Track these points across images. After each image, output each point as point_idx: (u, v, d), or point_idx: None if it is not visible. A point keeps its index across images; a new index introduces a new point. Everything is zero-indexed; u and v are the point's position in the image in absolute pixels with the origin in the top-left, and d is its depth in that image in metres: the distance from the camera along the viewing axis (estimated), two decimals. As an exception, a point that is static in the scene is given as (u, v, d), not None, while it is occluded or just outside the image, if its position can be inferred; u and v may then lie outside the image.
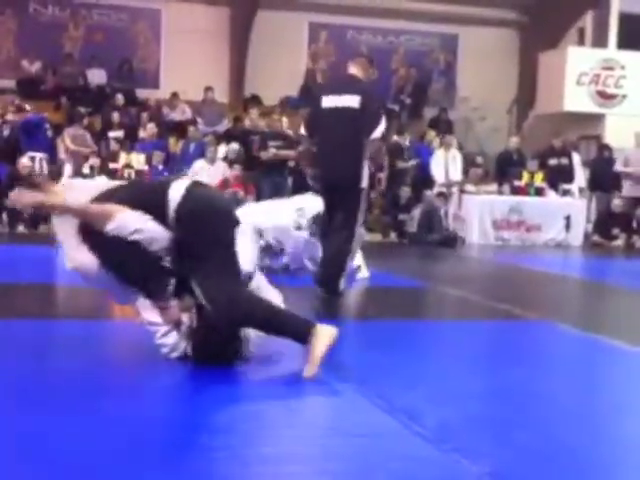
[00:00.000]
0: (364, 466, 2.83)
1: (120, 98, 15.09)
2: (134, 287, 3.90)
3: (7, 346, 4.37)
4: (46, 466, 2.68)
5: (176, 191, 3.85)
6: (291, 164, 12.62)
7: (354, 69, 6.64)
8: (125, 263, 3.81)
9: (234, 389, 3.79)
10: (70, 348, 4.35)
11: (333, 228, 6.37)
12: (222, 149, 13.66)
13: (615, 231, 13.53)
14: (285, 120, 14.17)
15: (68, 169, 12.79)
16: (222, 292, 3.79)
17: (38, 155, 12.60)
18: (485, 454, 2.96)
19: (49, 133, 13.40)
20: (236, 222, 4.03)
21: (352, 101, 6.37)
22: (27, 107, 13.20)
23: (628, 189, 13.95)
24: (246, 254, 7.48)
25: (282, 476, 2.73)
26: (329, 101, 6.39)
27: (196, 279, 3.81)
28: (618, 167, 14.15)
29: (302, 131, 6.66)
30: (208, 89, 16.01)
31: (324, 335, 3.87)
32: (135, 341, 4.47)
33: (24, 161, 12.04)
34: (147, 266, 3.81)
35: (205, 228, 3.83)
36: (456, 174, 13.95)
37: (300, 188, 8.11)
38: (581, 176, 14.65)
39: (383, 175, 13.84)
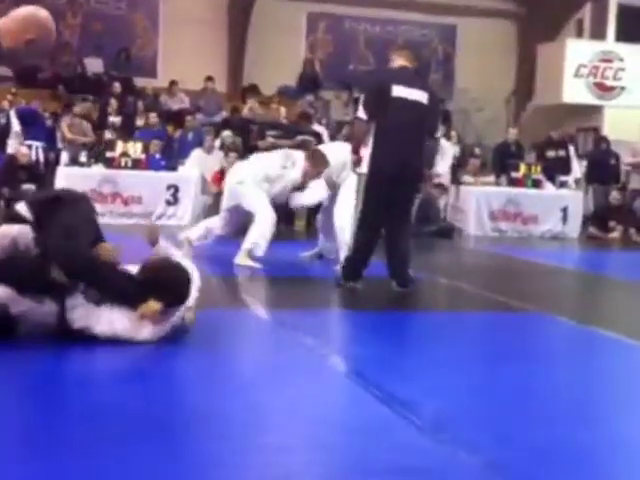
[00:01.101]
0: (360, 456, 2.84)
1: (117, 86, 15.04)
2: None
3: None
4: None
5: (19, 206, 4.39)
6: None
7: (402, 61, 6.52)
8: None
9: (231, 379, 3.80)
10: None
11: (395, 225, 6.43)
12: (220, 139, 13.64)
13: (612, 224, 13.53)
14: (283, 110, 14.16)
15: (65, 157, 12.80)
16: (61, 248, 4.18)
17: (35, 144, 12.62)
18: (481, 445, 2.97)
19: (48, 122, 13.40)
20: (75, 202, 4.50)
21: (422, 97, 6.33)
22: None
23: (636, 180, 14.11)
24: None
25: (280, 465, 2.74)
26: (400, 91, 6.26)
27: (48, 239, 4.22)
28: (626, 159, 14.22)
29: (360, 114, 6.36)
30: (209, 78, 15.94)
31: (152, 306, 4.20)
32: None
33: (23, 150, 12.06)
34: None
35: (53, 209, 4.34)
36: (442, 168, 13.87)
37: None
38: (577, 168, 14.66)
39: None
